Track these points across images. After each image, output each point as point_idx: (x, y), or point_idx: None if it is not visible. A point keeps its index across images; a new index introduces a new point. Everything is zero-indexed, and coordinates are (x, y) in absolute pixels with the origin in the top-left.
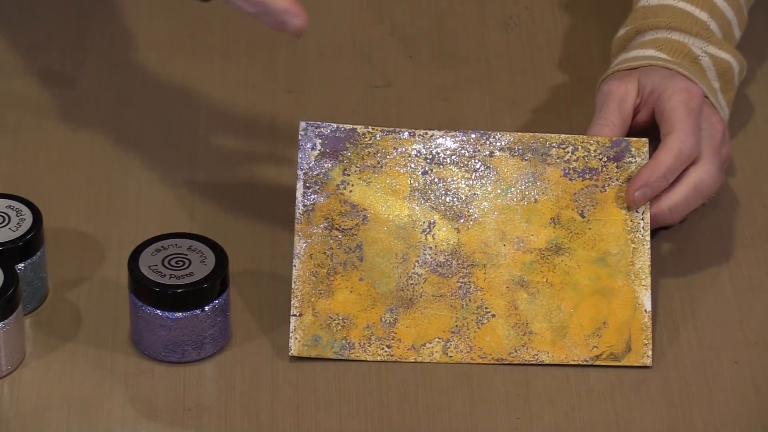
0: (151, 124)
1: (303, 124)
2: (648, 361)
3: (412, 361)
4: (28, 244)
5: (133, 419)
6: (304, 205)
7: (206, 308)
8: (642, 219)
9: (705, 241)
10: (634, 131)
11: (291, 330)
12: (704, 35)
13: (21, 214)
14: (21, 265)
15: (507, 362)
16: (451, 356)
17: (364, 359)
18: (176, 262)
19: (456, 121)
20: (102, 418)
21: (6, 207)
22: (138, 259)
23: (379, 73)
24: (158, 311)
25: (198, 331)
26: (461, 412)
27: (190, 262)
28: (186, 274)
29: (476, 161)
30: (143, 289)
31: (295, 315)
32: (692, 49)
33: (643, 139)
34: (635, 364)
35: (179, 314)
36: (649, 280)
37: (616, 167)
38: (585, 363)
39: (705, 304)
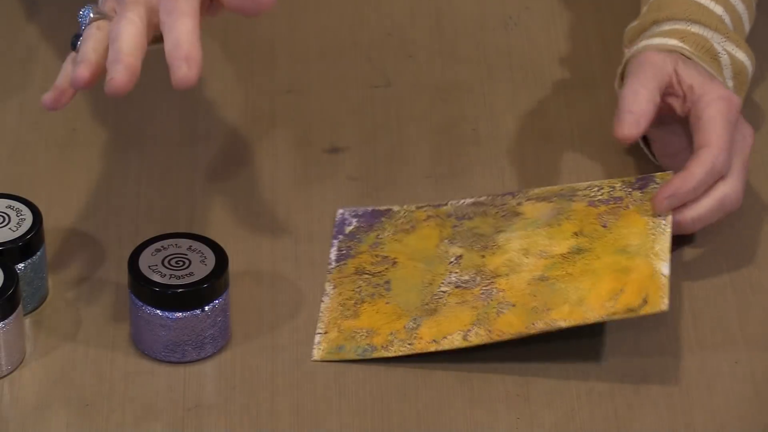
0: (151, 124)
1: (340, 212)
2: (665, 307)
3: (433, 351)
4: (28, 244)
5: (133, 419)
6: (337, 262)
7: (206, 308)
8: (664, 218)
9: (705, 241)
10: (658, 112)
11: (315, 342)
12: (723, 30)
13: (21, 214)
14: (21, 265)
15: (525, 335)
16: (470, 341)
17: (386, 356)
18: (176, 262)
19: (456, 121)
20: (102, 418)
21: (6, 207)
22: (138, 259)
23: (379, 73)
24: (158, 311)
25: (198, 331)
26: (461, 412)
27: (190, 262)
28: (186, 274)
29: (504, 211)
30: (143, 289)
31: (320, 332)
32: (714, 45)
33: (669, 171)
34: (652, 311)
35: (179, 314)
36: (668, 256)
37: (641, 193)
38: (602, 320)
39: (705, 304)
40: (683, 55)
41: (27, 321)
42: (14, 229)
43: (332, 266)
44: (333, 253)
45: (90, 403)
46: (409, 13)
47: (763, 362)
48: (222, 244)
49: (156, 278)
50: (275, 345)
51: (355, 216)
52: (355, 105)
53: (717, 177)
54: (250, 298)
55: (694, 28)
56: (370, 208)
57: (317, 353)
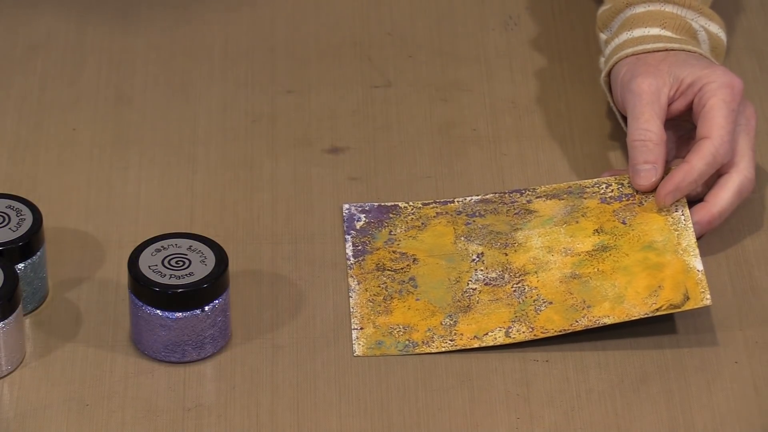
0: (151, 124)
1: (346, 207)
2: (708, 302)
3: (476, 347)
4: (28, 244)
5: (133, 419)
6: (355, 257)
7: (206, 308)
8: (682, 213)
9: (705, 241)
10: (669, 121)
11: (354, 338)
12: (696, 7)
13: (21, 214)
14: (21, 265)
15: (569, 331)
16: (513, 338)
17: (429, 352)
18: (176, 262)
19: (456, 121)
20: (102, 418)
21: (6, 207)
22: (138, 259)
23: (379, 73)
24: (158, 311)
25: (198, 331)
26: (461, 412)
27: (190, 262)
28: (186, 274)
29: (515, 208)
30: (143, 289)
31: (356, 329)
32: (691, 24)
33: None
34: (696, 307)
35: (179, 314)
36: (697, 251)
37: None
38: (646, 316)
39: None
40: (670, 49)
41: (27, 321)
42: (14, 229)
43: (351, 261)
44: (349, 249)
45: (90, 403)
46: (409, 13)
47: (763, 362)
48: (222, 244)
49: (156, 278)
50: (275, 345)
51: (362, 211)
52: (355, 105)
53: (717, 167)
54: (250, 298)
55: (669, 8)
56: (375, 204)
57: (358, 349)
